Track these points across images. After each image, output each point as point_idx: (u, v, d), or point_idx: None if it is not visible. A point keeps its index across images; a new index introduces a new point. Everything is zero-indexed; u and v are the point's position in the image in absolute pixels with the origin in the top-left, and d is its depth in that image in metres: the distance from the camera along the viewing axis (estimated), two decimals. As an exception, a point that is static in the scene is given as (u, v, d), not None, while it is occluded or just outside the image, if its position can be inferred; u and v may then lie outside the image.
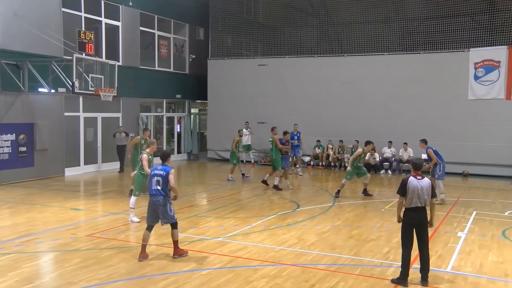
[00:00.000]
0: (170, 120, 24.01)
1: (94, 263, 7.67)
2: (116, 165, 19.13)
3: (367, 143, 13.83)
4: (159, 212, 7.94)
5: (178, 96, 23.62)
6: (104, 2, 19.16)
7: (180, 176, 18.67)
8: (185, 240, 8.89)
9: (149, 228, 8.07)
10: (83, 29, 16.69)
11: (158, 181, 7.93)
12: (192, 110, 25.25)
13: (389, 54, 20.08)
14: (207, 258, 8.02)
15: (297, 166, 18.76)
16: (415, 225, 6.94)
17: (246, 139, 20.73)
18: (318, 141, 20.81)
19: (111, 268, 7.48)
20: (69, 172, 17.64)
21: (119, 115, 20.07)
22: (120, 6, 19.94)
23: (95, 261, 7.80)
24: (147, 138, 13.85)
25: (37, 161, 16.39)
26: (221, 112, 23.00)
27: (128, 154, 13.70)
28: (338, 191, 13.70)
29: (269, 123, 21.68)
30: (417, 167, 7.09)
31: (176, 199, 8.15)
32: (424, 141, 13.03)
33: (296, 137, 18.72)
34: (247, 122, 20.91)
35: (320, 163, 20.60)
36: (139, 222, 10.33)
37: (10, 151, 15.58)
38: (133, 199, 10.62)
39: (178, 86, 23.41)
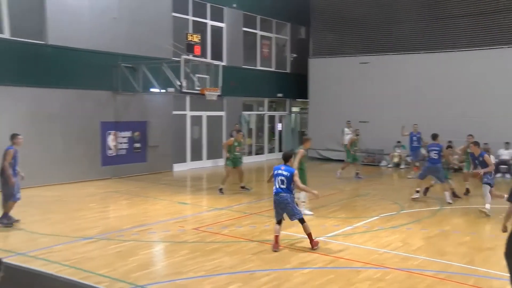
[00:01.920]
0: (271, 119, 24.35)
1: (200, 255, 8.03)
2: (220, 162, 19.85)
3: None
4: (287, 209, 8.39)
5: (279, 95, 23.88)
6: (209, 5, 19.98)
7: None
8: (286, 238, 8.97)
9: (279, 222, 8.55)
10: (191, 31, 17.57)
11: (282, 181, 8.44)
12: (293, 109, 25.38)
13: (508, 47, 18.45)
14: (308, 257, 8.01)
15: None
16: None
17: (347, 138, 20.31)
18: (425, 142, 19.73)
19: (215, 261, 7.78)
20: (177, 167, 18.69)
21: (222, 113, 20.81)
22: (225, 8, 20.64)
23: (201, 253, 8.16)
24: (241, 140, 14.27)
25: (149, 156, 17.61)
26: (322, 111, 22.82)
27: (226, 153, 14.24)
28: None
29: (371, 122, 21.17)
30: None
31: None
32: (478, 144, 11.40)
33: (416, 138, 17.90)
34: (349, 121, 20.48)
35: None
36: (312, 215, 10.85)
37: (127, 147, 16.95)
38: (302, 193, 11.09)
39: (279, 85, 23.66)
